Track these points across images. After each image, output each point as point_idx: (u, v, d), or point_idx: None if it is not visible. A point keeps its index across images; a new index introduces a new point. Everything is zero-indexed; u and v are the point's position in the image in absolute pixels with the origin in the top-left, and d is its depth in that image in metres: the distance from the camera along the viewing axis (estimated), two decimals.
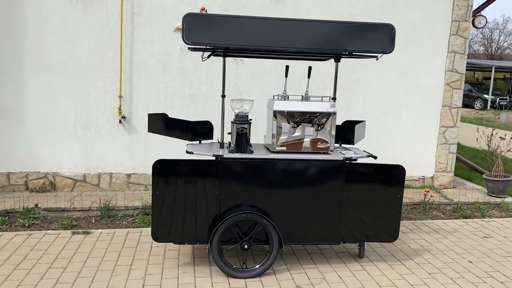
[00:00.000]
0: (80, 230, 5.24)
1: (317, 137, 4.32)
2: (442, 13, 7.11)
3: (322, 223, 4.36)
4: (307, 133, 4.30)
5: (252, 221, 4.19)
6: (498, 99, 27.93)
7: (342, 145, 4.87)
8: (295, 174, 4.26)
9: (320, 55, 4.47)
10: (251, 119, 4.35)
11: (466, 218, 6.26)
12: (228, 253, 4.40)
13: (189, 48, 4.29)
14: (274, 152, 4.30)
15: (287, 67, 4.65)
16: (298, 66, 6.77)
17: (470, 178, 8.27)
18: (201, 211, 4.20)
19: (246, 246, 4.18)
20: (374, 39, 4.12)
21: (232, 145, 4.29)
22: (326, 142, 4.34)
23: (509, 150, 7.41)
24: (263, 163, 4.22)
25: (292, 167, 4.25)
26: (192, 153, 4.24)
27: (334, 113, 4.32)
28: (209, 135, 4.74)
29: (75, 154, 6.48)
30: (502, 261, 4.77)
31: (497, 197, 6.99)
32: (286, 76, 4.68)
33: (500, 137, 8.70)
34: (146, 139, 6.58)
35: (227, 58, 6.63)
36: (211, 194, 4.19)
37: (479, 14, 7.80)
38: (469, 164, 8.30)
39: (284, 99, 4.37)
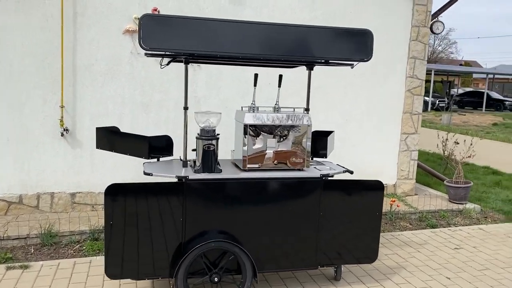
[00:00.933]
0: (16, 264, 4.50)
1: (292, 152, 3.92)
2: (402, 18, 6.98)
3: (299, 247, 3.96)
4: (281, 148, 3.89)
5: (222, 250, 3.71)
6: (437, 101, 29.15)
7: (314, 158, 4.51)
8: (269, 194, 3.84)
9: (293, 63, 4.08)
10: (218, 134, 3.88)
11: (433, 227, 6.13)
12: (195, 287, 3.90)
13: (146, 54, 3.75)
14: (245, 171, 3.85)
15: (256, 75, 4.22)
16: (260, 73, 6.39)
17: (429, 184, 8.25)
18: (163, 241, 3.67)
19: (216, 279, 3.70)
20: (352, 46, 3.78)
21: (197, 164, 3.79)
22: (302, 157, 3.96)
23: (469, 157, 7.42)
24: (233, 183, 3.75)
25: (266, 187, 3.82)
26: (151, 175, 3.69)
27: (310, 126, 3.94)
28: (168, 151, 4.21)
29: (8, 172, 5.67)
30: (478, 275, 4.62)
31: (458, 203, 6.95)
32: (255, 85, 4.24)
33: (455, 142, 8.79)
34: (93, 154, 5.90)
35: (182, 64, 6.16)
36: (174, 221, 3.67)
37: (436, 20, 7.79)
38: (430, 171, 8.28)
39: (253, 111, 3.93)
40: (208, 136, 3.77)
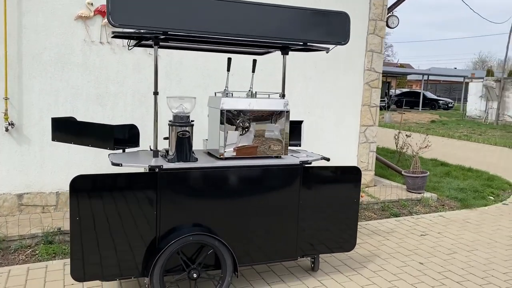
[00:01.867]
0: None
1: (270, 139, 3.76)
2: (360, 11, 7.05)
3: (279, 238, 3.80)
4: (258, 135, 3.71)
5: (200, 244, 3.47)
6: None
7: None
8: (248, 183, 3.65)
9: (270, 45, 3.91)
10: (193, 121, 3.63)
11: (396, 216, 6.21)
12: (171, 286, 3.61)
13: (113, 34, 3.44)
14: (221, 159, 3.63)
15: (229, 59, 4.01)
16: (223, 63, 6.20)
17: (385, 176, 8.41)
18: (135, 237, 3.36)
19: (195, 275, 3.44)
20: (330, 28, 3.69)
21: (171, 153, 3.52)
22: (280, 144, 3.80)
23: (425, 147, 7.63)
24: (211, 172, 3.52)
25: (244, 175, 3.62)
26: (121, 165, 3.38)
27: (288, 112, 3.79)
28: (134, 142, 3.90)
29: None
30: (448, 259, 4.69)
31: (416, 193, 7.11)
32: (228, 70, 4.04)
33: (406, 135, 9.06)
34: (42, 150, 5.41)
35: (139, 51, 5.80)
36: (147, 215, 3.37)
37: (391, 14, 7.96)
38: (386, 163, 8.44)
39: (229, 96, 3.72)
40: (182, 122, 3.51)
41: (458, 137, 16.37)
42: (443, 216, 6.28)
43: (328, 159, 4.09)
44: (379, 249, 4.90)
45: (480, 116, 24.64)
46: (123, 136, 3.79)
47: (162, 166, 3.36)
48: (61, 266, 4.21)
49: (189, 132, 3.51)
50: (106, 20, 5.46)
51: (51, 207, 5.52)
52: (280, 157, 3.83)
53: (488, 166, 10.25)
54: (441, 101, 35.91)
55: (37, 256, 4.46)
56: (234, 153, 3.65)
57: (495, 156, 12.17)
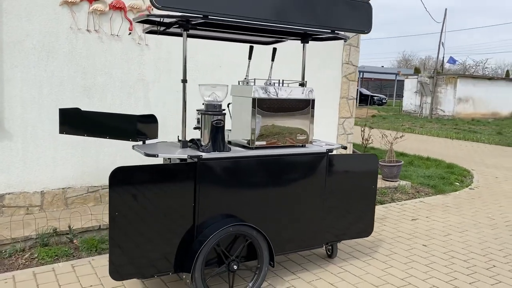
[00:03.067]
0: None
1: (296, 127, 3.74)
2: None
3: (307, 226, 3.81)
4: (286, 123, 3.69)
5: (237, 234, 3.39)
6: None
7: None
8: (279, 171, 3.61)
9: (291, 33, 3.89)
10: (224, 109, 3.52)
11: (382, 203, 6.45)
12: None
13: (146, 30, 3.26)
14: (252, 148, 3.57)
15: (251, 47, 3.96)
16: (212, 57, 6.10)
17: None
18: (174, 231, 3.21)
19: (235, 267, 3.36)
20: (355, 17, 3.74)
21: (204, 143, 3.40)
22: (305, 133, 3.80)
23: (401, 136, 7.98)
24: (245, 162, 3.45)
25: (275, 164, 3.58)
26: (157, 156, 3.21)
27: (313, 100, 3.80)
28: (153, 133, 3.71)
29: None
30: (446, 240, 4.95)
31: (392, 181, 7.43)
32: (250, 58, 3.97)
33: (370, 127, 9.43)
34: (25, 146, 4.98)
35: (127, 39, 5.48)
36: (185, 207, 3.24)
37: None
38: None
39: (251, 85, 3.66)
40: (216, 111, 3.40)
41: (403, 130, 17.27)
42: (423, 201, 6.62)
43: (345, 147, 4.16)
44: (381, 235, 5.07)
45: (415, 111, 26.18)
46: (144, 127, 3.60)
47: (201, 156, 3.23)
48: (69, 268, 3.92)
49: (223, 121, 3.40)
50: (93, 6, 5.14)
51: (35, 207, 5.11)
52: (304, 146, 3.83)
53: (441, 155, 10.93)
54: (376, 97, 37.70)
55: (37, 259, 4.11)
56: (264, 142, 3.60)
57: (441, 147, 13.00)
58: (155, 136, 3.70)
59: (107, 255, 4.21)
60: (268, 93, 3.56)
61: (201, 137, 3.44)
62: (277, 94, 3.61)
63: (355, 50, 7.47)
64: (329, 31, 3.69)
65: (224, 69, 6.20)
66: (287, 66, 6.29)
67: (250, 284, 3.46)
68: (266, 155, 3.53)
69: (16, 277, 3.73)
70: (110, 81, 5.40)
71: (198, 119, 3.63)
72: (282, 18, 3.37)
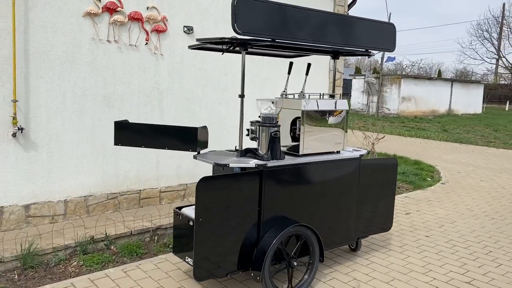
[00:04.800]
0: None
1: (334, 135, 4.18)
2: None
3: (344, 223, 4.27)
4: (326, 132, 4.11)
5: (294, 234, 3.77)
6: None
7: None
8: (324, 176, 4.04)
9: (326, 51, 4.32)
10: (278, 121, 3.88)
11: None
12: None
13: (194, 46, 3.55)
14: (300, 156, 3.96)
15: (291, 63, 4.32)
16: (217, 65, 6.35)
17: None
18: (244, 232, 3.54)
19: (295, 263, 3.74)
20: (382, 37, 4.24)
21: (263, 152, 3.73)
22: (341, 140, 4.25)
23: (382, 137, 8.66)
24: (298, 168, 3.83)
25: (321, 169, 4.00)
26: (228, 166, 3.51)
27: (348, 111, 4.26)
28: (206, 144, 3.99)
29: None
30: (442, 231, 5.62)
31: None
32: (289, 73, 4.34)
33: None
34: (50, 156, 5.02)
35: (143, 49, 5.61)
36: (252, 210, 3.57)
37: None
38: None
39: (289, 97, 4.07)
40: (273, 123, 3.75)
41: (358, 128, 18.32)
42: (408, 197, 7.32)
43: (369, 152, 4.66)
44: None
45: (362, 109, 27.62)
46: (200, 138, 3.87)
47: (267, 164, 3.58)
48: (122, 274, 4.10)
49: (279, 132, 3.76)
50: (113, 17, 5.27)
51: (59, 216, 5.16)
52: (339, 152, 4.28)
53: (403, 152, 11.85)
54: None
55: (85, 266, 4.24)
56: (310, 150, 4.00)
57: (399, 144, 14.03)
58: (206, 146, 3.98)
59: (152, 259, 4.45)
60: (313, 105, 3.96)
61: (258, 146, 3.77)
62: (318, 106, 4.02)
63: (341, 58, 8.03)
64: (363, 50, 4.16)
65: (229, 77, 6.50)
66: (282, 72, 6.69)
67: (306, 276, 3.86)
68: (312, 161, 3.94)
69: (75, 284, 3.86)
70: (128, 90, 5.54)
71: (250, 129, 3.95)
72: (323, 39, 3.78)
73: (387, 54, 28.55)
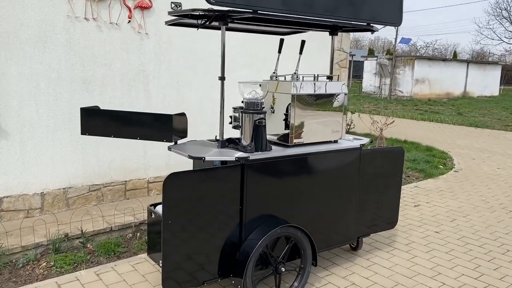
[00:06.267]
0: None
1: (330, 123, 3.68)
2: None
3: (342, 221, 3.80)
4: (320, 119, 3.62)
5: (283, 236, 3.31)
6: None
7: None
8: (317, 169, 3.56)
9: (323, 26, 3.80)
10: (264, 107, 3.39)
11: None
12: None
13: (172, 14, 3.05)
14: (290, 147, 3.47)
15: (281, 40, 3.81)
16: (206, 45, 5.89)
17: None
18: (223, 235, 3.10)
19: (283, 269, 3.29)
20: (386, 9, 3.69)
21: (246, 142, 3.26)
22: (339, 128, 3.75)
23: (391, 123, 8.11)
24: (287, 161, 3.36)
25: (314, 162, 3.52)
26: (203, 159, 3.04)
27: (346, 94, 3.75)
28: (184, 132, 3.53)
29: None
30: (454, 226, 5.12)
31: None
32: (280, 51, 3.84)
33: (351, 111, 9.53)
34: (23, 146, 4.62)
35: (126, 28, 5.14)
36: (233, 209, 3.12)
37: None
38: None
39: (297, 80, 3.56)
40: (258, 109, 3.26)
41: (369, 112, 17.69)
42: (418, 186, 6.80)
43: (372, 141, 4.15)
44: None
45: (375, 92, 26.85)
46: (177, 127, 3.41)
47: (248, 157, 3.11)
48: (94, 277, 3.71)
49: (265, 120, 3.28)
50: None
51: (35, 210, 4.78)
52: (336, 142, 3.79)
53: (414, 137, 11.28)
54: None
55: (55, 268, 3.85)
56: (302, 140, 3.52)
57: (411, 128, 13.42)
58: (185, 135, 3.52)
59: (130, 259, 4.05)
60: (306, 89, 3.46)
61: (241, 136, 3.30)
62: (314, 90, 3.52)
63: (346, 36, 7.46)
64: (364, 24, 3.62)
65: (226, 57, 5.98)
66: (292, 58, 6.17)
67: (296, 284, 3.42)
68: (304, 153, 3.46)
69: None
70: (110, 73, 5.08)
71: (233, 117, 3.49)
72: (318, 11, 3.26)
73: (401, 35, 27.67)
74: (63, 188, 4.93)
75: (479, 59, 41.23)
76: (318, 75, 3.68)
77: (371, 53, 43.46)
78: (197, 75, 5.78)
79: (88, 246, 4.28)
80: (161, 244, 2.84)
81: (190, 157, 3.07)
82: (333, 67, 4.12)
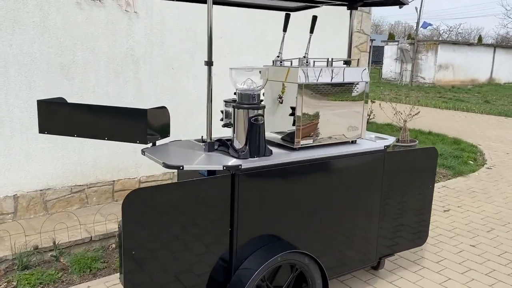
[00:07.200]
0: None
1: (348, 119, 2.95)
2: None
3: (360, 241, 3.09)
4: (335, 114, 2.89)
5: (288, 263, 2.62)
6: None
7: None
8: (330, 177, 2.84)
9: None
10: (262, 100, 2.68)
11: None
12: None
13: None
14: (296, 150, 2.76)
15: (287, 15, 3.08)
16: (214, 23, 5.22)
17: None
18: (206, 264, 2.42)
19: None
20: None
21: (239, 145, 2.56)
22: (358, 125, 3.02)
23: (415, 114, 7.31)
24: (293, 169, 2.65)
25: (325, 168, 2.81)
26: (181, 168, 2.36)
27: (367, 83, 3.01)
28: (165, 131, 2.85)
29: None
30: (493, 238, 4.37)
31: None
32: (285, 30, 3.10)
33: (371, 100, 8.75)
34: None
35: (112, 6, 4.45)
36: (219, 232, 2.44)
37: None
38: None
39: (306, 65, 2.83)
40: (254, 103, 2.55)
41: (390, 100, 16.75)
42: (446, 186, 6.02)
43: (398, 140, 3.41)
44: None
45: (395, 78, 25.73)
46: (155, 124, 2.72)
47: (241, 165, 2.41)
48: None
49: (263, 116, 2.57)
50: None
51: (7, 215, 4.19)
52: (355, 142, 3.06)
53: (439, 128, 10.41)
54: None
55: None
56: (311, 141, 2.80)
57: (435, 118, 12.51)
58: (167, 134, 2.84)
59: (107, 278, 3.44)
60: (318, 76, 2.73)
61: (233, 136, 2.60)
62: (329, 78, 2.79)
63: (367, 16, 6.65)
64: None
65: (226, 40, 5.28)
66: (298, 38, 5.41)
67: None
68: (314, 158, 2.74)
69: None
70: (93, 58, 4.42)
71: (225, 112, 2.80)
72: None
73: (422, 19, 26.40)
74: (40, 190, 4.33)
75: (506, 44, 39.41)
76: (333, 59, 2.94)
77: (391, 38, 41.95)
78: (196, 61, 5.08)
79: (62, 260, 3.67)
80: (123, 280, 2.19)
81: (165, 165, 2.39)
82: (351, 49, 3.36)
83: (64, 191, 4.46)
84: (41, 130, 2.82)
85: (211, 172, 2.54)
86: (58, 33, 4.19)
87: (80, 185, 4.55)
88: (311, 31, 3.18)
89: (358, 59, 3.29)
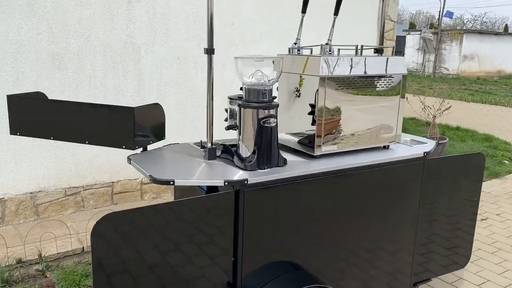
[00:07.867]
0: None
1: (380, 120, 2.42)
2: None
3: (391, 266, 2.57)
4: (367, 114, 2.36)
5: None
6: None
7: None
8: (361, 193, 2.32)
9: None
10: (275, 97, 2.16)
11: None
12: None
13: None
14: (317, 157, 2.25)
15: None
16: (221, 12, 4.73)
17: None
18: None
19: None
20: None
21: (247, 152, 2.06)
22: (392, 127, 2.49)
23: (446, 109, 6.70)
24: (313, 183, 2.14)
25: (356, 182, 2.29)
26: (172, 183, 1.87)
27: (405, 76, 2.47)
28: (159, 133, 2.36)
29: None
30: None
31: None
32: (304, 11, 2.58)
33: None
34: None
35: None
36: (220, 263, 1.95)
37: None
38: None
39: (329, 53, 2.32)
40: (265, 101, 2.04)
41: (413, 93, 16.01)
42: (482, 190, 5.42)
43: (438, 143, 2.87)
44: None
45: (417, 69, 24.85)
46: (145, 125, 2.24)
47: (247, 180, 1.91)
48: None
49: (276, 117, 2.06)
50: None
51: None
52: (388, 147, 2.53)
53: (467, 123, 9.74)
54: None
55: None
56: (335, 147, 2.28)
57: (462, 112, 11.81)
58: (162, 137, 2.36)
59: None
60: (344, 68, 2.21)
61: (238, 142, 2.10)
62: (365, 71, 2.26)
63: (394, 1, 6.04)
64: None
65: (237, 27, 4.77)
66: (313, 22, 4.87)
67: None
68: (339, 169, 2.22)
69: None
70: (88, 46, 3.96)
71: (229, 110, 2.30)
72: None
73: (446, 8, 25.37)
74: (31, 193, 3.91)
75: None
76: (362, 46, 2.40)
77: (412, 27, 40.72)
78: (202, 47, 4.57)
79: (48, 276, 3.25)
80: None
81: (152, 179, 1.90)
82: (383, 34, 2.81)
83: (57, 194, 4.04)
84: (13, 131, 2.38)
85: (211, 188, 2.05)
86: (48, 18, 3.74)
87: (75, 187, 4.12)
88: (336, 13, 2.65)
89: (393, 47, 2.74)
